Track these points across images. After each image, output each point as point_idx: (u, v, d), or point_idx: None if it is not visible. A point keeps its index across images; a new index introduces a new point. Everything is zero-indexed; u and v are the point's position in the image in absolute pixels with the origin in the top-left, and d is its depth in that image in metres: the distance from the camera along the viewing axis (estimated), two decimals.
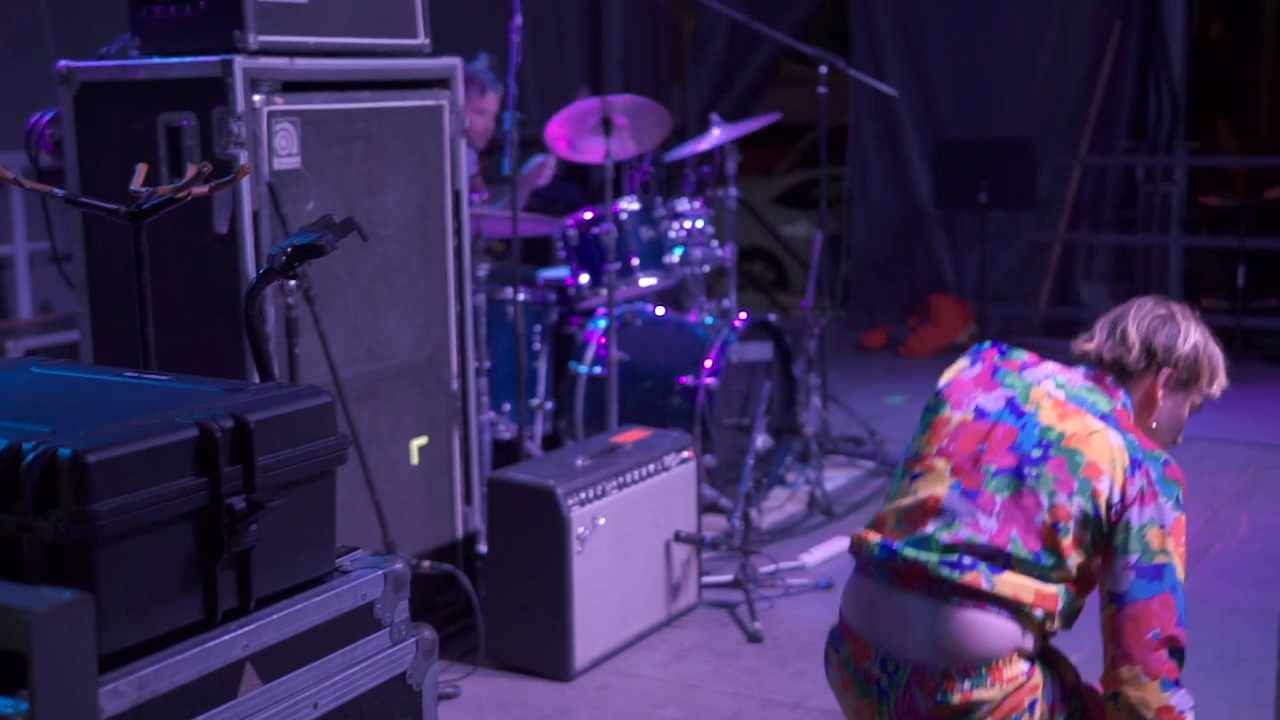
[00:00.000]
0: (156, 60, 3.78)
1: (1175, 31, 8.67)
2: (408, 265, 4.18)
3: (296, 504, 1.95)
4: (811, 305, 5.94)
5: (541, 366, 5.72)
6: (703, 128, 8.64)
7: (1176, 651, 2.50)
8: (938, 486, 2.63)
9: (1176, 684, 2.50)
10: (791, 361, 5.88)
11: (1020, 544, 2.55)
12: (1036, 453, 2.58)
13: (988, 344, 2.82)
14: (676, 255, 5.82)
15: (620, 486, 4.30)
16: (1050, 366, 2.75)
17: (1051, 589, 2.56)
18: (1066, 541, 2.54)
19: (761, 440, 5.40)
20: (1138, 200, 8.94)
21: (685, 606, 4.58)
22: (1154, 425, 2.74)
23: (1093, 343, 2.76)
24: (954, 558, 2.56)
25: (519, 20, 4.96)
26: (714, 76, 9.98)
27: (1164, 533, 2.50)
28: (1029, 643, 2.60)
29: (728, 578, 4.75)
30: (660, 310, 5.91)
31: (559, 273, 6.04)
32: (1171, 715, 2.49)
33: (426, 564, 4.15)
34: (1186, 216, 9.18)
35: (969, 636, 2.55)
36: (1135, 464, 2.54)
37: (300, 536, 1.98)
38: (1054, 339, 8.92)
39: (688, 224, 5.85)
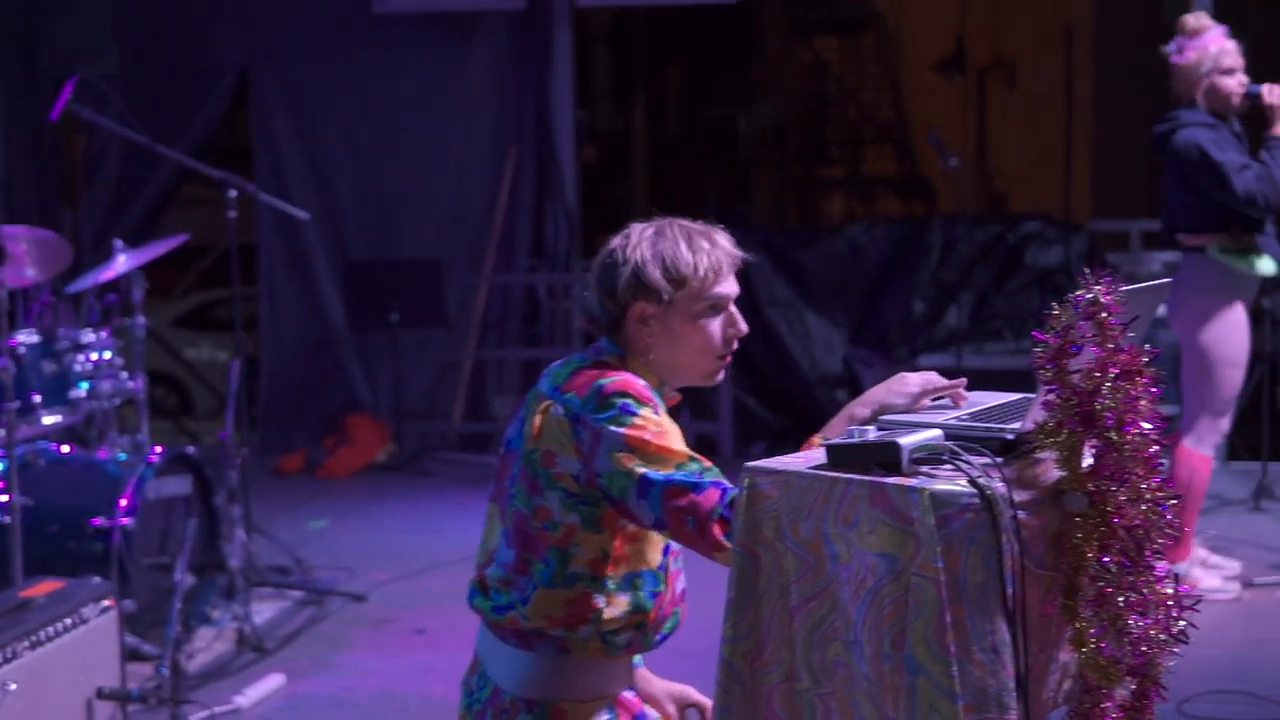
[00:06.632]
0: None
1: (566, 157, 9.18)
2: None
3: None
4: (232, 434, 5.76)
5: None
6: (99, 253, 8.23)
7: (713, 512, 2.40)
8: (494, 532, 2.65)
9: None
10: (212, 494, 5.65)
11: (533, 560, 2.55)
12: (514, 471, 2.59)
13: None
14: (83, 390, 5.46)
15: (33, 646, 3.93)
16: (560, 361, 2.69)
17: (579, 590, 2.54)
18: (561, 535, 2.53)
19: (185, 579, 5.15)
20: (541, 316, 9.36)
21: None
22: (669, 360, 2.61)
23: None
24: (500, 600, 2.59)
25: None
26: (109, 199, 9.54)
27: (624, 454, 2.44)
28: (603, 685, 2.62)
29: None
30: (66, 448, 5.53)
31: None
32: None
33: None
34: (585, 330, 9.70)
35: (522, 676, 2.59)
36: (575, 421, 2.49)
37: None
38: (470, 453, 9.13)
39: (94, 356, 5.52)
